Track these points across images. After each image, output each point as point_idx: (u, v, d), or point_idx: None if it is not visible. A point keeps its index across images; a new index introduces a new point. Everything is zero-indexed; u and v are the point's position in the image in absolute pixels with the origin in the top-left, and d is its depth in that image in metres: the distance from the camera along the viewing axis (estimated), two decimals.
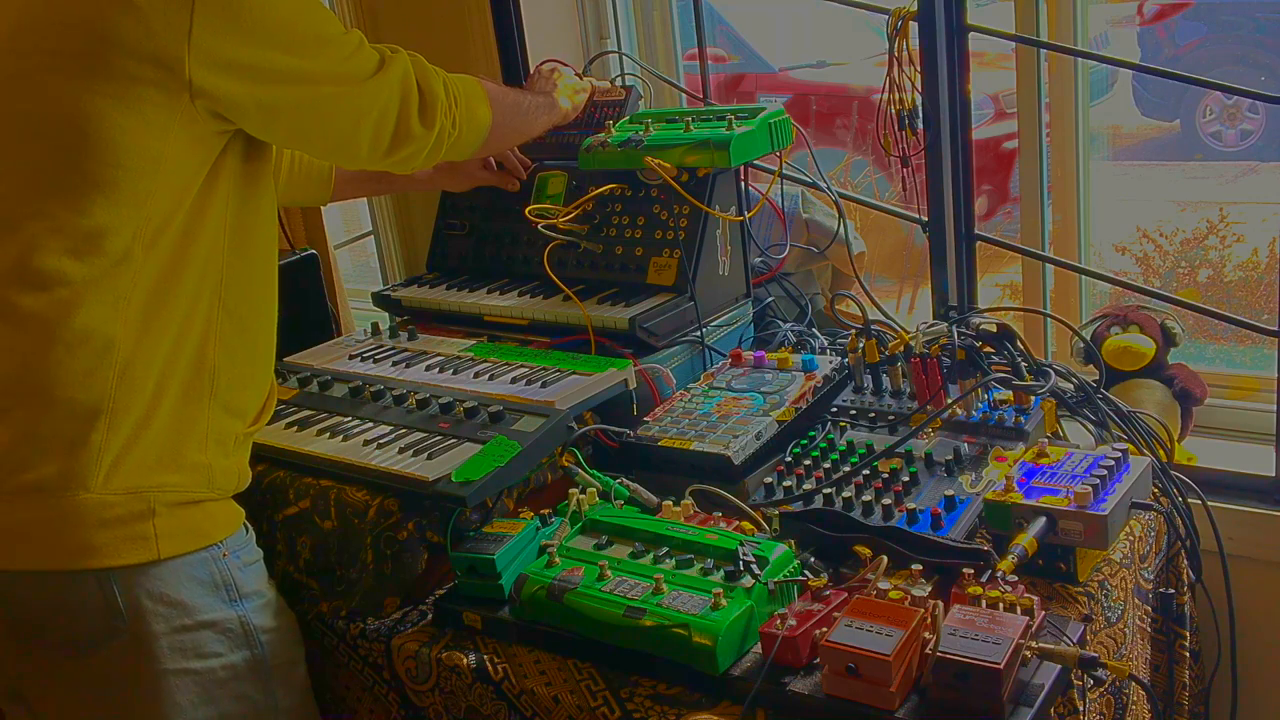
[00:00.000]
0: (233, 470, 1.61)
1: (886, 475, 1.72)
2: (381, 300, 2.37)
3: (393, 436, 1.82)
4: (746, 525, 1.65)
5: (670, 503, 1.72)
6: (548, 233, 2.17)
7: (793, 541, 1.57)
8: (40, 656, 1.57)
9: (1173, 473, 1.83)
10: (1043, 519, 1.52)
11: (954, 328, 1.86)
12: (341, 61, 1.58)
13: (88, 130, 1.43)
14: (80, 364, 1.46)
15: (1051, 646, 1.35)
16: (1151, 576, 1.75)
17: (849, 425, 1.91)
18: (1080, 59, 2.22)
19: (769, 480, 1.80)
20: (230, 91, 1.48)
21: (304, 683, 1.72)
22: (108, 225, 1.45)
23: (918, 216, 2.25)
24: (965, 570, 1.45)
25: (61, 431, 1.46)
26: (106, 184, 1.45)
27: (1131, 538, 1.67)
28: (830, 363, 2.00)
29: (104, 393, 1.46)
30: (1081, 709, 1.42)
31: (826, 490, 1.71)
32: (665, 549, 1.58)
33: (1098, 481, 1.54)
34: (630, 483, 1.76)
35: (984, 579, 1.43)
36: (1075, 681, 1.41)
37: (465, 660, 1.60)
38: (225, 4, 1.44)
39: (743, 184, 2.20)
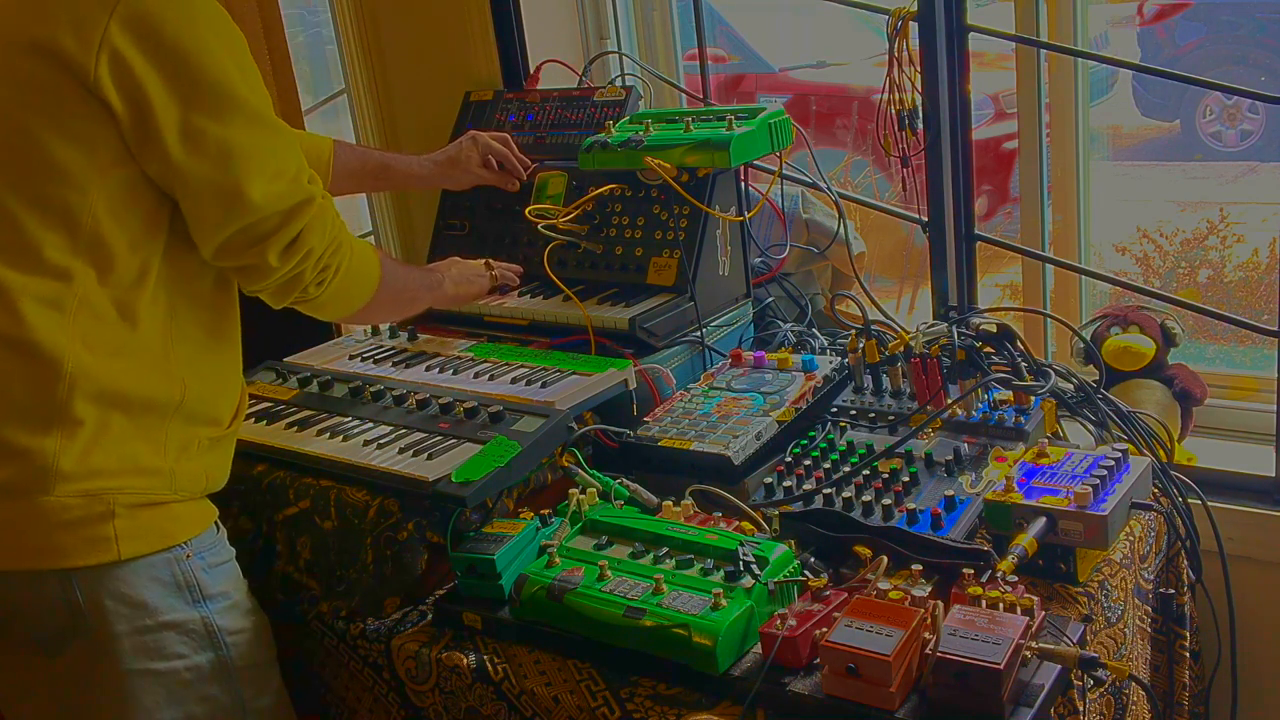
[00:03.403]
0: (199, 472, 1.60)
1: (886, 475, 1.72)
2: None
3: (393, 437, 1.82)
4: (746, 525, 1.65)
5: (670, 503, 1.72)
6: (548, 233, 2.17)
7: (793, 541, 1.57)
8: (7, 655, 1.58)
9: (1173, 473, 1.83)
10: (1043, 519, 1.52)
11: (954, 328, 1.86)
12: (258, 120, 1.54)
13: (22, 142, 1.45)
14: (29, 373, 1.47)
15: (1051, 647, 1.35)
16: (1151, 576, 1.75)
17: (849, 425, 1.91)
18: (1080, 59, 2.22)
19: (769, 480, 1.80)
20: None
21: (277, 685, 1.71)
22: (41, 237, 1.47)
23: (918, 216, 2.25)
24: (965, 570, 1.45)
25: (15, 437, 1.47)
26: (38, 197, 1.46)
27: (1131, 538, 1.67)
28: (830, 363, 2.00)
29: (54, 404, 1.47)
30: (1081, 709, 1.42)
31: (826, 490, 1.71)
32: (665, 549, 1.58)
33: (1098, 482, 1.54)
34: (630, 483, 1.76)
35: (984, 579, 1.43)
36: (1075, 681, 1.41)
37: (465, 660, 1.60)
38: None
39: (743, 184, 2.20)
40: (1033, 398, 1.81)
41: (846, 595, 1.45)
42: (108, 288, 1.50)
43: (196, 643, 1.58)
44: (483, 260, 2.19)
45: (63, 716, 1.58)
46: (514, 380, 1.94)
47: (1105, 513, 1.50)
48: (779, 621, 1.42)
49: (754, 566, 1.49)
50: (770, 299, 2.34)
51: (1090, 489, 1.51)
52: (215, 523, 1.65)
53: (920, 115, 2.13)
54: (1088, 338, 2.13)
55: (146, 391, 1.53)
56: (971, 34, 2.11)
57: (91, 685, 1.55)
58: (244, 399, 1.72)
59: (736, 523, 1.65)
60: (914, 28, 2.10)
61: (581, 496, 1.71)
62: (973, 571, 1.45)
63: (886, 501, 1.67)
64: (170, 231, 1.55)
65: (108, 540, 1.49)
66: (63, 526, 1.48)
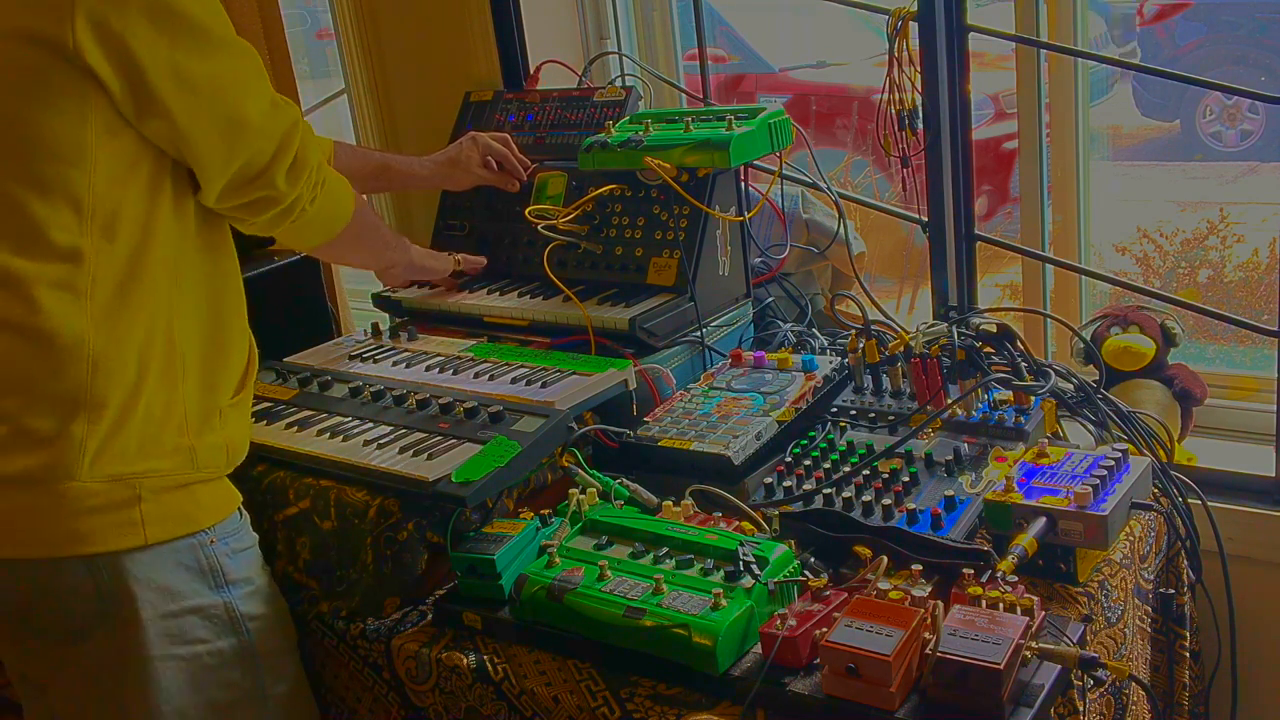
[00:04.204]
0: (219, 445, 1.62)
1: (886, 475, 1.72)
2: (381, 301, 2.37)
3: (393, 437, 1.82)
4: (746, 525, 1.65)
5: (670, 503, 1.72)
6: (548, 233, 2.17)
7: (793, 541, 1.57)
8: (35, 643, 1.59)
9: (1173, 473, 1.83)
10: (1043, 519, 1.52)
11: (954, 328, 1.86)
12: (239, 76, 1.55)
13: (13, 126, 1.45)
14: (51, 361, 1.47)
15: (1051, 647, 1.35)
16: (1151, 576, 1.75)
17: (849, 425, 1.91)
18: (1080, 59, 2.22)
19: (769, 480, 1.80)
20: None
21: (296, 671, 1.72)
22: (47, 220, 1.47)
23: (918, 216, 2.25)
24: (965, 570, 1.45)
25: (42, 424, 1.48)
26: (38, 179, 1.46)
27: (1131, 538, 1.67)
28: (830, 363, 2.00)
29: (79, 386, 1.48)
30: (1081, 709, 1.42)
31: (826, 490, 1.71)
32: (665, 549, 1.58)
33: (1098, 482, 1.54)
34: (630, 483, 1.76)
35: (984, 579, 1.43)
36: (1075, 682, 1.41)
37: (465, 660, 1.60)
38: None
39: (743, 184, 2.20)
40: (1033, 398, 1.81)
41: (846, 595, 1.45)
42: (115, 262, 1.50)
43: (219, 627, 1.60)
44: (446, 252, 2.28)
45: (88, 700, 1.60)
46: (514, 380, 1.94)
47: (1105, 513, 1.50)
48: (779, 621, 1.42)
49: (754, 566, 1.49)
50: (770, 299, 2.34)
51: (1090, 489, 1.51)
52: (239, 508, 1.67)
53: (920, 115, 2.13)
54: (1088, 338, 2.13)
55: (158, 364, 1.54)
56: (971, 34, 2.11)
57: (116, 670, 1.56)
58: (253, 359, 1.73)
59: (736, 523, 1.65)
60: (914, 28, 2.10)
61: (581, 496, 1.71)
62: (973, 571, 1.45)
63: (886, 501, 1.67)
64: (170, 195, 1.55)
65: (135, 525, 1.51)
66: (90, 512, 1.49)
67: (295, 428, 1.92)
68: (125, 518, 1.51)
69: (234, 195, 1.59)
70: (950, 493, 1.65)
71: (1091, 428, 1.87)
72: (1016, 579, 1.42)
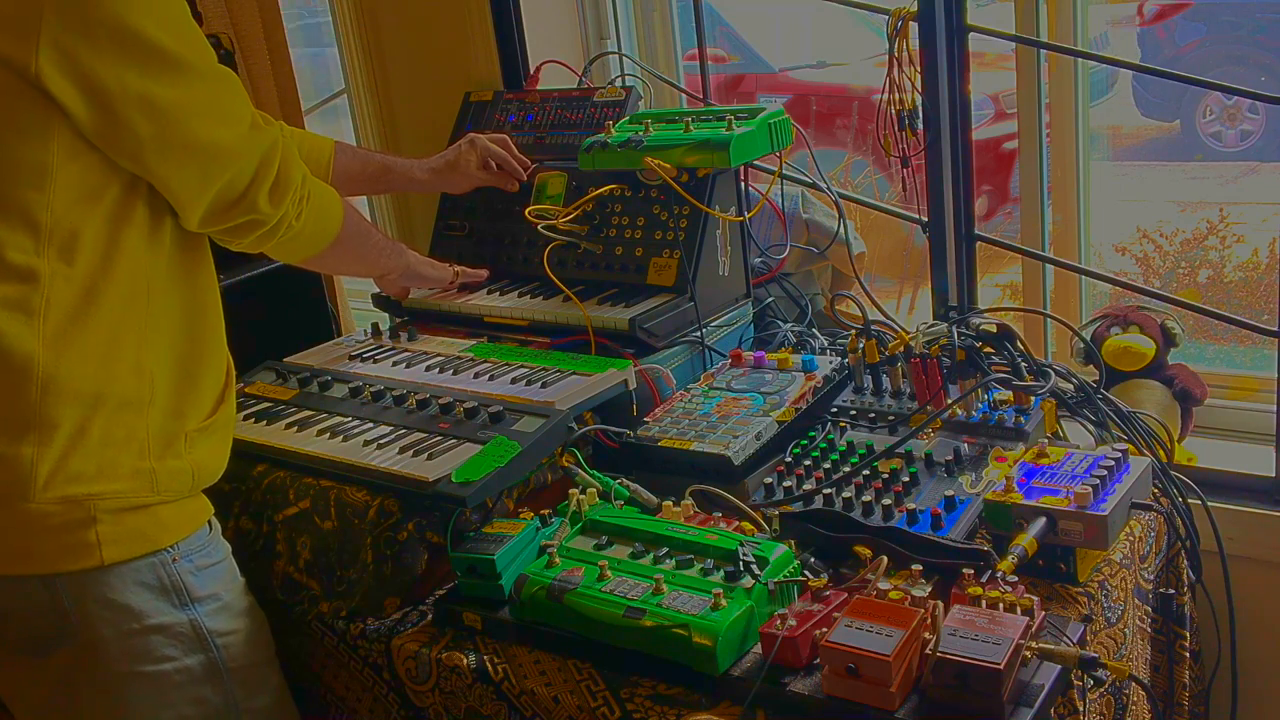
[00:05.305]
0: (184, 469, 1.58)
1: (886, 475, 1.72)
2: (381, 301, 2.37)
3: (393, 437, 1.82)
4: (746, 525, 1.65)
5: (670, 503, 1.72)
6: (548, 233, 2.17)
7: (793, 542, 1.57)
8: (2, 655, 1.58)
9: (1173, 473, 1.83)
10: (1043, 519, 1.52)
11: (954, 328, 1.86)
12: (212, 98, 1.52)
13: None
14: (1, 381, 1.45)
15: (1051, 647, 1.35)
16: (1151, 577, 1.75)
17: (849, 425, 1.91)
18: (1080, 59, 2.22)
19: (769, 480, 1.80)
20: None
21: (275, 684, 1.71)
22: (3, 240, 1.44)
23: (918, 216, 2.25)
24: (965, 570, 1.45)
25: None
26: None
27: (1131, 538, 1.67)
28: (830, 363, 2.00)
29: (28, 408, 1.45)
30: (1081, 709, 1.42)
31: (826, 490, 1.71)
32: (665, 549, 1.58)
33: (1098, 482, 1.54)
34: (630, 483, 1.76)
35: (984, 579, 1.43)
36: (1075, 682, 1.41)
37: (465, 660, 1.60)
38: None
39: (743, 184, 2.20)
40: (1033, 398, 1.81)
41: (846, 595, 1.45)
42: (74, 285, 1.47)
43: (185, 645, 1.58)
44: (447, 262, 2.27)
45: (57, 717, 1.58)
46: (514, 380, 1.94)
47: (1105, 513, 1.50)
48: (779, 621, 1.42)
49: (754, 566, 1.49)
50: (770, 299, 2.34)
51: (1090, 489, 1.51)
52: (209, 521, 1.63)
53: (920, 115, 2.13)
54: (1088, 338, 2.13)
55: (120, 388, 1.51)
56: (971, 34, 2.11)
57: (82, 687, 1.55)
58: (230, 383, 1.69)
59: (736, 523, 1.66)
60: (914, 28, 2.10)
61: (581, 496, 1.71)
62: (973, 571, 1.45)
63: (886, 501, 1.67)
64: (142, 220, 1.52)
65: (90, 546, 1.49)
66: (45, 533, 1.47)
67: (295, 428, 1.92)
68: (80, 539, 1.48)
69: (216, 220, 1.57)
70: (950, 493, 1.65)
71: (1091, 428, 1.87)
72: (1016, 579, 1.42)
